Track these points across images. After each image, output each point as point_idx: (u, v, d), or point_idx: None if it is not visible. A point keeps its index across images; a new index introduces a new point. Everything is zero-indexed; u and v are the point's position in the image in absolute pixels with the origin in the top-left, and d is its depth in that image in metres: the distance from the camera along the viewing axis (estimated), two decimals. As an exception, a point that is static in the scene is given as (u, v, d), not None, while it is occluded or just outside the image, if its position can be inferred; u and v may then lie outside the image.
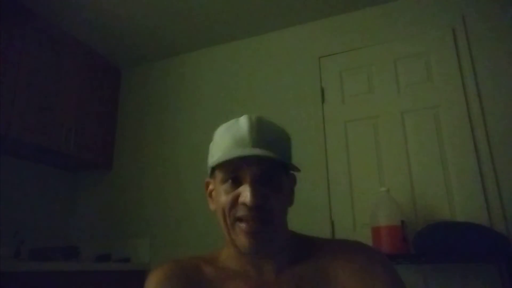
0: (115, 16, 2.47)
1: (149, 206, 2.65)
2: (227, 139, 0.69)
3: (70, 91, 2.50)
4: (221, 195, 0.69)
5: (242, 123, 0.70)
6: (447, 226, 1.77)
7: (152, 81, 2.97)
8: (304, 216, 2.10)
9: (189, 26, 2.61)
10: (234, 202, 0.67)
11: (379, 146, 2.18)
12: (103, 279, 2.13)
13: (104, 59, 2.87)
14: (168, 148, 2.74)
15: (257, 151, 0.65)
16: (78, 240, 2.68)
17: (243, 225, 0.66)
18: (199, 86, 2.79)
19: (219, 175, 0.70)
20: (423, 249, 1.71)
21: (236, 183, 0.68)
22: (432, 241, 1.70)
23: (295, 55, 2.56)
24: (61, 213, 2.73)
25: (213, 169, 0.72)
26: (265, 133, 0.69)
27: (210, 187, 0.77)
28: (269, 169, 0.68)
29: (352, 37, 2.42)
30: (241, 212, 0.66)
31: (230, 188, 0.68)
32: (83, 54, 2.65)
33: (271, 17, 2.53)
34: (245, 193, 0.65)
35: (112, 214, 2.73)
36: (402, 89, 2.22)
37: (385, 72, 2.28)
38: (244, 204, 0.65)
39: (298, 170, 0.70)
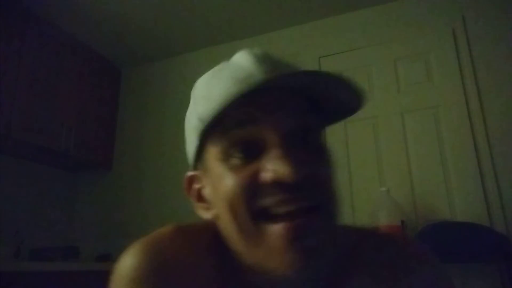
0: (115, 16, 2.47)
1: (149, 206, 2.65)
2: (221, 81, 0.42)
3: (70, 91, 2.50)
4: (224, 178, 0.39)
5: (240, 58, 0.44)
6: (447, 226, 1.78)
7: (152, 81, 2.97)
8: (304, 216, 2.09)
9: (189, 26, 2.60)
10: (253, 184, 0.37)
11: (379, 146, 2.18)
12: (103, 279, 2.12)
13: (104, 59, 2.87)
14: (168, 148, 2.74)
15: (285, 73, 0.38)
16: (78, 240, 2.68)
17: (279, 226, 0.36)
18: (199, 86, 2.79)
19: (212, 150, 0.41)
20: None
21: (250, 153, 0.38)
22: (432, 241, 1.70)
23: (295, 55, 2.56)
24: (61, 213, 2.73)
25: (201, 148, 0.43)
26: (283, 62, 0.43)
27: (196, 185, 0.46)
28: (307, 116, 0.40)
29: (352, 37, 2.42)
30: (270, 198, 0.36)
31: (239, 163, 0.38)
32: (83, 54, 2.64)
33: (271, 17, 2.53)
34: (275, 162, 0.36)
35: (112, 214, 2.72)
36: (402, 89, 2.22)
37: (385, 72, 2.28)
38: (276, 183, 0.36)
39: (361, 97, 0.39)
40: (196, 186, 0.46)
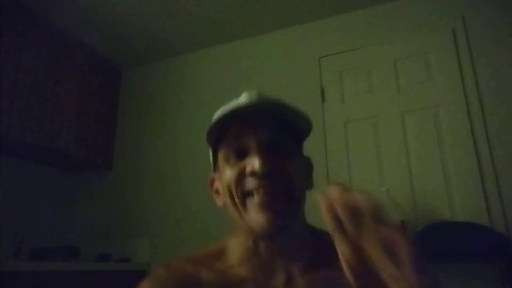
0: (115, 16, 2.47)
1: (149, 206, 2.65)
2: (223, 110, 0.61)
3: (70, 91, 2.50)
4: (225, 172, 0.60)
5: (242, 95, 0.64)
6: (447, 226, 1.78)
7: (152, 81, 2.97)
8: (304, 216, 2.09)
9: (189, 26, 2.60)
10: (241, 175, 0.57)
11: (379, 146, 2.18)
12: (103, 279, 2.13)
13: (104, 59, 2.87)
14: (168, 148, 2.74)
15: (258, 102, 0.58)
16: (78, 240, 2.68)
17: (254, 198, 0.56)
18: (199, 86, 2.79)
19: (221, 155, 0.61)
20: (423, 249, 1.70)
21: (242, 155, 0.59)
22: (432, 241, 1.70)
23: (295, 55, 2.56)
24: (61, 213, 2.73)
25: (215, 157, 0.64)
26: (272, 99, 0.61)
27: (216, 184, 0.67)
28: (279, 133, 0.59)
29: (352, 37, 2.42)
30: (250, 184, 0.56)
31: (234, 162, 0.59)
32: (83, 54, 2.64)
33: (271, 17, 2.53)
34: (252, 161, 0.55)
35: (112, 214, 2.72)
36: (402, 89, 2.22)
37: (385, 72, 2.28)
38: (252, 174, 0.56)
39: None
40: (215, 185, 0.67)
